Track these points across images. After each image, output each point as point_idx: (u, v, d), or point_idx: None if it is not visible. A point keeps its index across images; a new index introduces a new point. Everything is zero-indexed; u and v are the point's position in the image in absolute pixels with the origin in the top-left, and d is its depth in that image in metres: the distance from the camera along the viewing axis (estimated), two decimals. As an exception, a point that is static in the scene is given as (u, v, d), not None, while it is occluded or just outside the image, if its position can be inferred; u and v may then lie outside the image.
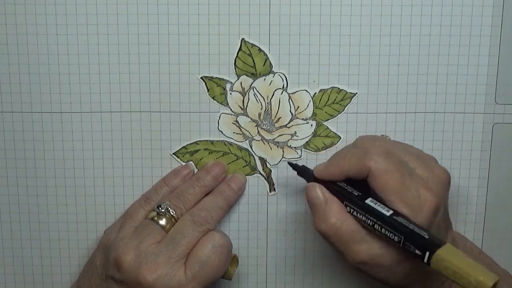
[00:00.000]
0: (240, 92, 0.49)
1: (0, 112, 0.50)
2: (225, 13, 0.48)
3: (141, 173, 0.51)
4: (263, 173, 0.50)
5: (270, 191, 0.50)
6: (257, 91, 0.48)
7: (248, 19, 0.48)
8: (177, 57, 0.49)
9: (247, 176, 0.50)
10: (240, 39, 0.48)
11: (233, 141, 0.50)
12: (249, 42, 0.48)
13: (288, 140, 0.49)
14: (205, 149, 0.50)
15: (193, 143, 0.50)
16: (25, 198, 0.52)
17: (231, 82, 0.49)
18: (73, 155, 0.51)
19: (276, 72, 0.48)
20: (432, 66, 0.50)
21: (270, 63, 0.48)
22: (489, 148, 0.51)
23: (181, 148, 0.50)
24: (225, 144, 0.50)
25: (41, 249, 0.53)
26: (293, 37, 0.48)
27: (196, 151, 0.50)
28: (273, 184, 0.50)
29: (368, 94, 0.50)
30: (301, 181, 0.48)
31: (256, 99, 0.48)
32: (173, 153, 0.50)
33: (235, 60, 0.48)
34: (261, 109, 0.48)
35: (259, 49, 0.47)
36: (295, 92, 0.48)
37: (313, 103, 0.48)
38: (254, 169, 0.50)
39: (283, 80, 0.48)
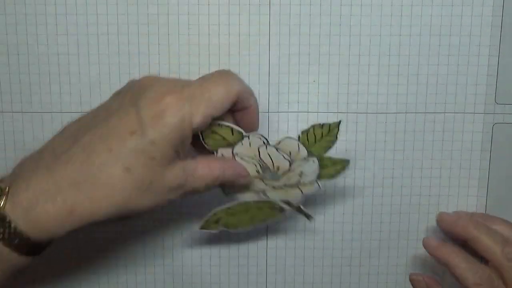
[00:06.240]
0: None
1: (0, 112, 0.50)
2: (225, 13, 0.48)
3: (141, 173, 0.51)
4: (292, 210, 0.47)
5: (309, 220, 0.48)
6: (242, 155, 0.44)
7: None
8: (177, 57, 0.49)
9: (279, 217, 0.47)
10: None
11: (248, 199, 0.46)
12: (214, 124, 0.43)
13: (299, 180, 0.45)
14: (226, 213, 0.47)
15: (211, 215, 0.46)
16: (25, 198, 0.52)
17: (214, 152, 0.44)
18: (73, 155, 0.51)
19: (248, 135, 0.43)
20: (432, 66, 0.50)
21: (238, 130, 0.43)
22: (489, 148, 0.51)
23: (204, 223, 0.47)
24: (242, 204, 0.46)
25: (41, 249, 0.53)
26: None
27: (219, 219, 0.47)
28: (307, 213, 0.47)
29: (368, 94, 0.50)
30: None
31: (246, 161, 0.44)
32: (200, 228, 0.47)
33: (204, 141, 0.43)
34: (256, 167, 0.45)
35: (219, 124, 0.42)
36: (279, 143, 0.44)
37: (303, 145, 0.45)
38: (283, 210, 0.47)
39: (261, 138, 0.44)
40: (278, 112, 0.50)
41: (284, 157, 0.44)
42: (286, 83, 0.50)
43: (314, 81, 0.50)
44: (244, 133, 0.43)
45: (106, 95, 0.50)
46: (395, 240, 0.53)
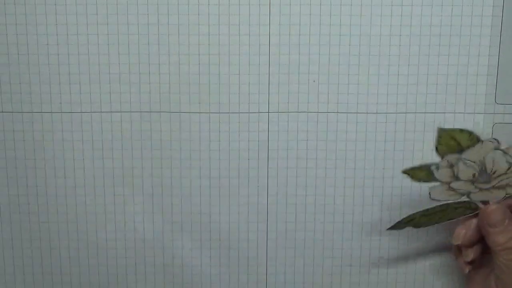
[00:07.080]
0: (447, 166, 0.44)
1: (0, 112, 0.50)
2: (225, 13, 0.48)
3: (141, 173, 0.51)
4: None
5: None
6: (468, 160, 0.43)
7: (248, 19, 0.48)
8: (177, 57, 0.49)
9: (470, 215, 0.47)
10: (436, 127, 0.43)
11: (450, 201, 0.46)
12: (446, 129, 0.43)
13: (510, 181, 0.44)
14: (422, 215, 0.47)
15: (406, 217, 0.47)
16: (25, 198, 0.52)
17: (436, 164, 0.44)
18: (73, 155, 0.51)
19: (485, 140, 0.43)
20: (432, 66, 0.50)
21: (476, 135, 0.43)
22: (489, 148, 0.51)
23: (395, 225, 0.47)
24: (441, 205, 0.46)
25: (41, 249, 0.53)
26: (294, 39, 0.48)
27: (412, 219, 0.47)
28: None
29: (368, 94, 0.50)
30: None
31: (468, 166, 0.44)
32: (389, 229, 0.48)
33: (436, 148, 0.43)
34: (475, 170, 0.44)
35: (460, 130, 0.43)
36: (509, 148, 0.43)
37: None
38: (476, 208, 0.46)
39: (493, 142, 0.43)
40: (278, 112, 0.50)
41: (507, 161, 0.43)
42: (286, 83, 0.50)
43: (314, 81, 0.50)
44: (480, 138, 0.43)
45: (106, 95, 0.50)
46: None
